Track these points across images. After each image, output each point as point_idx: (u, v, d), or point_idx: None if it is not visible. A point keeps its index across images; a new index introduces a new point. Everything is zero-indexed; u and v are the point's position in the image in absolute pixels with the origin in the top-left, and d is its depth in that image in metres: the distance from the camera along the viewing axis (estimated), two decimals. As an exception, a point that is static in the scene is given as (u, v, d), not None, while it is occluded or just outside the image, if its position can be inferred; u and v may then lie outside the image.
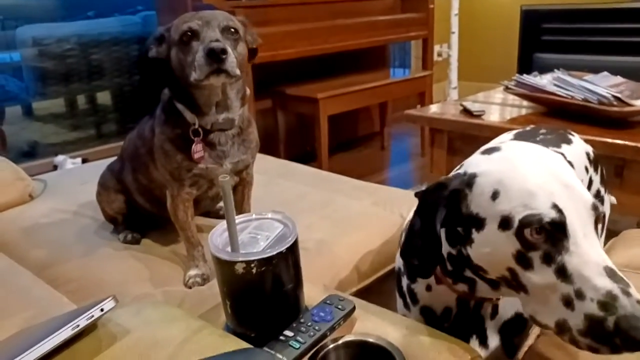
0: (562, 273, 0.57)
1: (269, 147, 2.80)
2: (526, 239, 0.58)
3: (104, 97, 3.18)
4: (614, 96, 1.52)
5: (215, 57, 0.81)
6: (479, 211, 0.62)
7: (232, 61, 0.83)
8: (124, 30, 3.09)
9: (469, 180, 0.64)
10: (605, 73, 1.73)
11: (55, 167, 2.65)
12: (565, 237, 0.57)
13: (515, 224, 0.58)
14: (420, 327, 0.70)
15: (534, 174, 0.61)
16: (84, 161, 2.64)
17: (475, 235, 0.63)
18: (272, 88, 2.81)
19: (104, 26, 3.07)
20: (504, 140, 0.90)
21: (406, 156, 3.29)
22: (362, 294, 1.10)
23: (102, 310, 0.58)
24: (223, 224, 0.67)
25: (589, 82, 1.61)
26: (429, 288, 0.78)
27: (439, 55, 4.03)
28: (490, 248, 0.62)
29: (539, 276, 0.58)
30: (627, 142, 1.42)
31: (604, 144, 1.42)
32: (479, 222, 0.62)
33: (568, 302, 0.56)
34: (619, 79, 1.68)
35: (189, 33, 0.85)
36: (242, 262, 0.63)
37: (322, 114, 2.60)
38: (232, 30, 0.87)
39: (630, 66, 2.78)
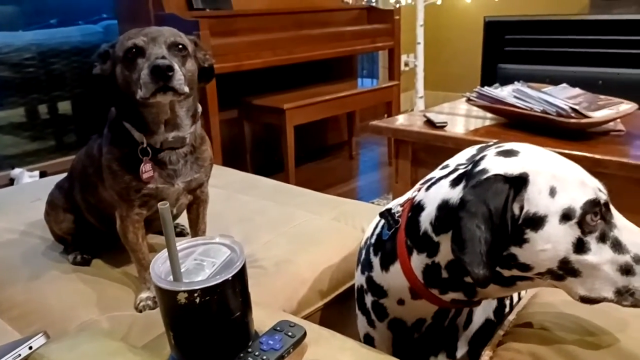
0: (618, 246, 0.63)
1: (235, 157, 2.78)
2: (587, 224, 0.62)
3: (64, 107, 3.10)
4: (571, 108, 1.55)
5: (161, 74, 0.78)
6: (537, 210, 0.62)
7: (179, 78, 0.80)
8: (85, 40, 3.02)
9: (520, 180, 0.62)
10: (564, 85, 1.76)
11: (11, 181, 2.56)
12: (611, 214, 0.64)
13: (578, 212, 0.61)
14: (372, 353, 0.68)
15: (570, 165, 0.65)
16: (43, 174, 2.56)
17: (531, 234, 0.62)
18: (239, 98, 2.78)
19: (64, 35, 3.00)
20: (465, 152, 0.88)
21: (374, 165, 3.29)
22: (323, 312, 1.08)
23: (30, 348, 0.55)
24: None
25: (548, 94, 1.63)
26: (401, 302, 0.76)
27: (406, 65, 4.07)
28: (551, 244, 0.62)
29: (597, 256, 0.62)
30: (585, 154, 1.44)
31: (563, 155, 1.43)
32: (537, 221, 0.62)
33: (627, 270, 0.62)
34: (577, 91, 1.71)
35: (134, 50, 0.82)
36: (184, 291, 0.60)
37: (288, 125, 2.58)
38: (180, 46, 0.84)
39: (592, 76, 2.85)
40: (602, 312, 0.70)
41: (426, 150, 1.81)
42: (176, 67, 0.80)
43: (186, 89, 0.83)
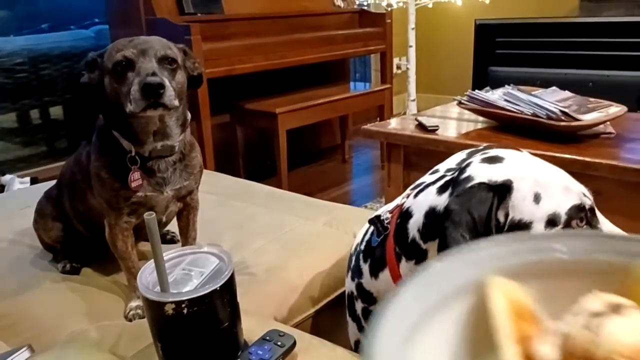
0: None
1: (227, 161, 2.77)
2: (573, 229, 0.62)
3: (56, 113, 3.09)
4: (561, 111, 1.55)
5: (152, 92, 0.78)
6: (522, 217, 0.62)
7: (169, 94, 0.80)
8: (76, 45, 3.01)
9: (504, 188, 0.62)
10: (554, 88, 1.76)
11: (2, 188, 2.54)
12: (597, 219, 0.63)
13: (563, 218, 0.61)
14: (362, 361, 0.68)
15: (554, 171, 0.65)
16: (34, 181, 2.54)
17: None
18: (231, 102, 2.77)
19: (56, 40, 2.98)
20: (455, 156, 0.88)
21: (367, 169, 3.30)
22: (314, 318, 1.07)
23: (15, 362, 0.54)
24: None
25: (538, 97, 1.64)
26: None
27: (398, 68, 4.08)
28: None
29: None
30: (575, 156, 1.44)
31: (553, 158, 1.44)
32: (523, 228, 0.62)
33: None
34: (566, 94, 1.72)
35: (124, 62, 0.81)
36: (171, 302, 0.60)
37: (280, 129, 2.58)
38: (170, 59, 0.84)
39: (582, 79, 2.87)
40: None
41: (418, 154, 1.81)
42: (167, 83, 0.79)
43: (176, 103, 0.82)
